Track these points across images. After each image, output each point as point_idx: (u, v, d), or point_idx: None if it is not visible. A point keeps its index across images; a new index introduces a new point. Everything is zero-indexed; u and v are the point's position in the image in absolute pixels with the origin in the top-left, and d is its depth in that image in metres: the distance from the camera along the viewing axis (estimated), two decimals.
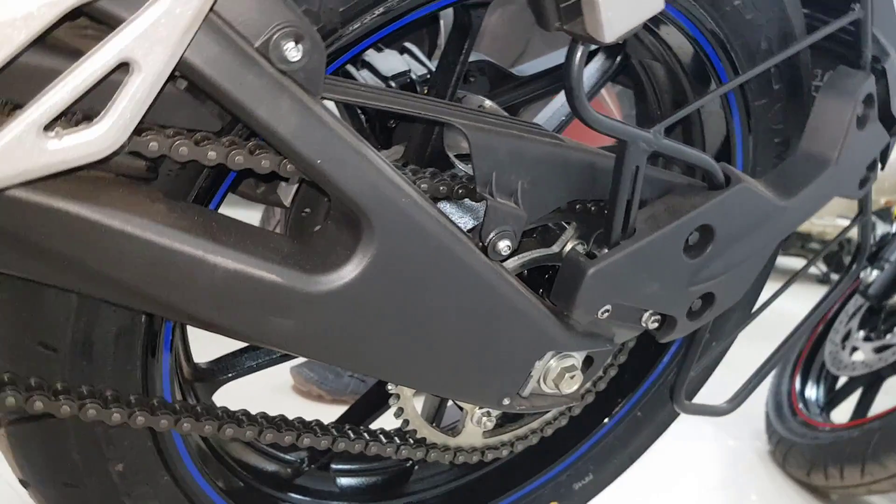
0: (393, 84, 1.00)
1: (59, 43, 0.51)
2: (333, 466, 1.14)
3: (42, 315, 0.73)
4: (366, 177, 0.65)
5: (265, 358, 1.02)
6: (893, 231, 1.99)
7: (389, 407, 1.09)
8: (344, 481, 1.15)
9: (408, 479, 1.18)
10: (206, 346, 1.02)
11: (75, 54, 0.50)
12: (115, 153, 0.53)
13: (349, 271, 0.68)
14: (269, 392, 1.84)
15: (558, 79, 1.17)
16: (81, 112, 0.52)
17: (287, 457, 1.09)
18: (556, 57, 1.21)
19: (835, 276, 4.98)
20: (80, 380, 0.76)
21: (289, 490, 1.08)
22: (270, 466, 1.08)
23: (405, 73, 1.01)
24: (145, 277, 0.61)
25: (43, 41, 0.48)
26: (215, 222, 0.66)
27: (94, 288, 0.63)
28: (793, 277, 1.06)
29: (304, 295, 0.67)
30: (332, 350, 0.72)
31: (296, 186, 0.85)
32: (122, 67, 0.49)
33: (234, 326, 0.67)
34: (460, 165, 0.95)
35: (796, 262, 4.79)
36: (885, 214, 3.28)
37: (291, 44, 0.60)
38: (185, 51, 0.51)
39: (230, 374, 1.01)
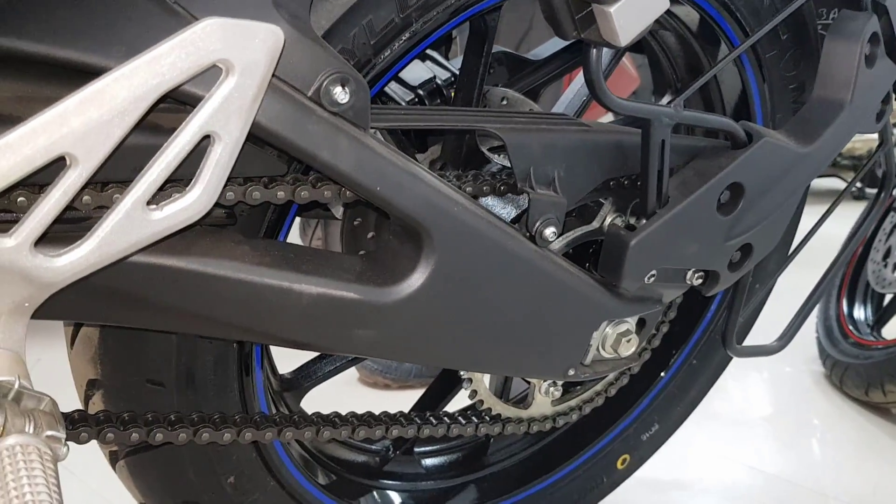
0: (422, 92, 1.06)
1: (147, 122, 0.58)
2: (416, 450, 1.22)
3: (147, 356, 0.81)
4: (421, 194, 0.72)
5: (341, 361, 1.10)
6: None
7: (460, 389, 1.17)
8: (428, 462, 1.23)
9: (486, 452, 1.27)
10: (284, 358, 1.10)
11: (156, 129, 0.58)
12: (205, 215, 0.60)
13: (416, 279, 0.75)
14: (340, 388, 1.92)
15: (571, 58, 1.23)
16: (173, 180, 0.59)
17: (374, 447, 1.17)
18: None
19: (870, 191, 4.96)
20: (188, 407, 0.84)
21: (379, 477, 1.17)
22: (360, 458, 1.17)
23: (431, 80, 1.07)
24: (242, 313, 0.69)
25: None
26: (293, 253, 0.73)
27: (198, 328, 0.71)
28: (824, 216, 1.11)
29: (380, 306, 0.74)
30: (410, 351, 0.79)
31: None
32: (206, 139, 0.57)
33: (323, 343, 0.75)
34: (495, 158, 1.02)
35: (829, 182, 4.79)
36: None
37: (339, 88, 0.67)
38: (255, 115, 0.58)
39: (312, 381, 1.09)
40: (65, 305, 0.59)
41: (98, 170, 0.55)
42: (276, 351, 1.02)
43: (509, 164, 0.96)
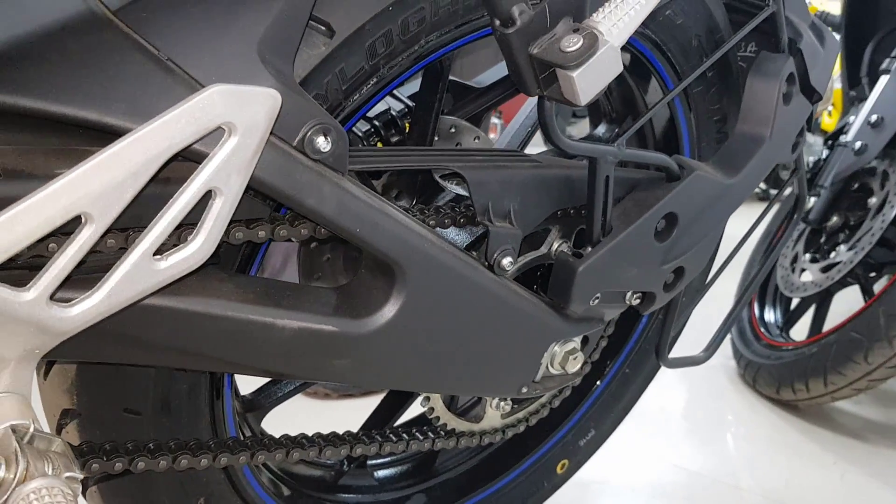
0: (377, 123, 1.12)
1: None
2: (369, 462, 1.28)
3: (125, 386, 0.84)
4: (395, 233, 0.77)
5: (299, 383, 1.15)
6: (824, 158, 2.15)
7: (408, 406, 1.23)
8: (380, 473, 1.28)
9: (434, 461, 1.32)
10: (243, 379, 1.14)
11: (162, 181, 0.62)
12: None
13: (389, 311, 0.81)
14: None
15: (512, 85, 1.30)
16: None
17: (329, 462, 1.22)
18: None
19: (773, 192, 5.22)
20: (163, 434, 0.87)
21: (334, 491, 1.21)
22: (316, 473, 1.21)
23: (387, 112, 1.12)
24: (229, 347, 0.73)
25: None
26: (273, 289, 0.77)
27: (187, 363, 0.75)
28: (740, 243, 1.21)
29: (355, 337, 0.79)
30: (383, 377, 0.85)
31: None
32: (207, 194, 0.61)
33: (302, 373, 0.79)
34: (448, 186, 1.08)
35: None
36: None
37: (322, 138, 0.71)
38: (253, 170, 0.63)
39: (272, 401, 1.12)
40: (67, 348, 0.62)
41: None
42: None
43: (462, 192, 1.03)
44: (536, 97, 0.78)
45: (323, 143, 0.72)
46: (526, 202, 0.93)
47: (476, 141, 1.22)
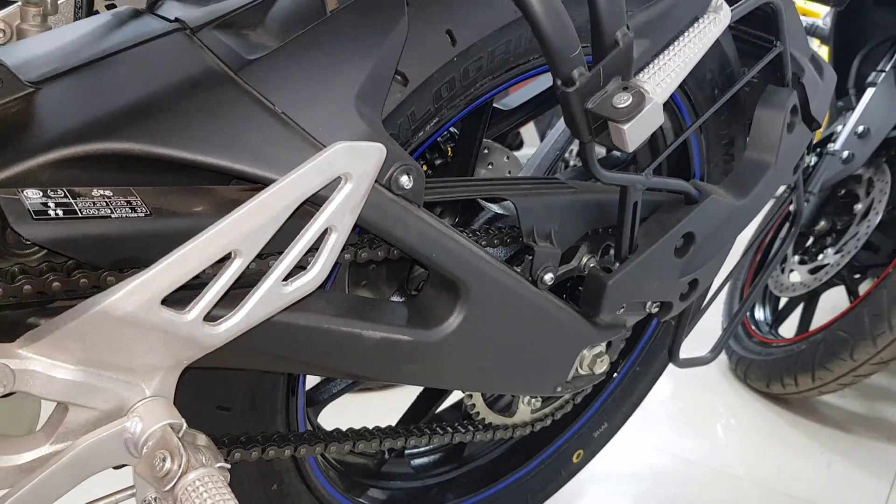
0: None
1: None
2: (406, 452, 1.40)
3: (218, 386, 0.96)
4: (461, 256, 0.90)
5: (350, 381, 1.27)
6: (813, 165, 2.28)
7: (443, 402, 1.35)
8: (416, 462, 1.41)
9: (463, 451, 1.45)
10: None
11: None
12: None
13: (453, 322, 0.93)
14: None
15: (537, 105, 1.42)
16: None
17: (372, 452, 1.34)
18: (532, 89, 1.45)
19: None
20: (250, 429, 0.99)
21: (377, 477, 1.34)
22: (361, 461, 1.33)
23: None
24: (324, 354, 0.85)
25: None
26: (357, 304, 0.90)
27: (290, 368, 0.87)
28: (743, 257, 1.34)
29: (425, 345, 0.92)
30: (445, 379, 0.97)
31: None
32: (326, 231, 0.73)
33: (378, 375, 0.92)
34: (488, 206, 1.20)
35: None
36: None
37: (406, 177, 0.83)
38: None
39: (327, 397, 1.25)
40: (204, 358, 0.74)
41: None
42: None
43: (500, 211, 1.16)
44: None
45: (406, 181, 0.84)
46: (564, 224, 1.05)
47: (506, 160, 1.35)
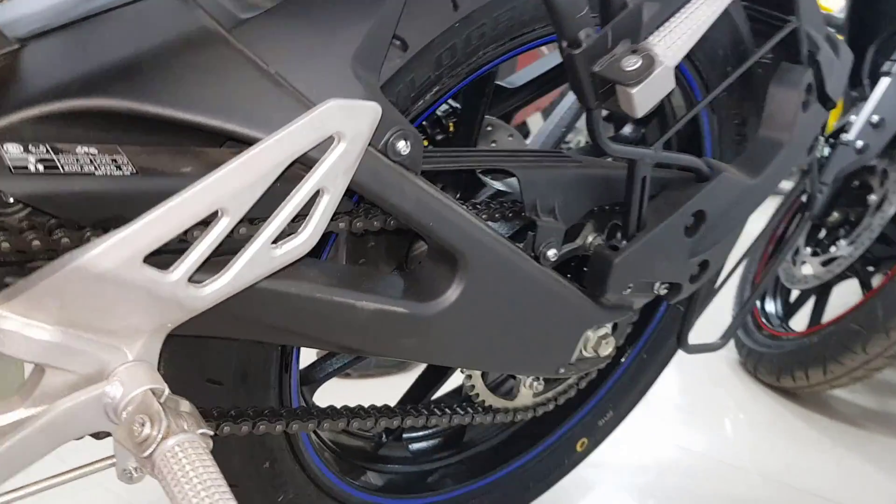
0: (424, 123, 1.20)
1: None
2: (404, 435, 1.37)
3: (209, 359, 0.93)
4: (459, 227, 0.87)
5: (348, 359, 1.24)
6: (826, 155, 2.23)
7: (444, 383, 1.32)
8: (414, 446, 1.38)
9: (462, 436, 1.42)
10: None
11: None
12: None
13: (451, 295, 0.90)
14: None
15: (543, 84, 1.39)
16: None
17: (369, 434, 1.31)
18: (539, 66, 1.42)
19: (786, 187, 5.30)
20: (238, 403, 0.96)
21: (374, 460, 1.31)
22: (357, 443, 1.30)
23: (432, 113, 1.21)
24: (316, 324, 0.82)
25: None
26: (352, 274, 0.87)
27: (280, 338, 0.84)
28: (755, 243, 1.31)
29: (421, 318, 0.88)
30: (441, 355, 0.94)
31: None
32: (317, 193, 0.70)
33: (374, 349, 0.89)
34: (490, 182, 1.17)
35: None
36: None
37: (403, 142, 0.80)
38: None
39: (325, 375, 1.22)
40: (189, 323, 0.71)
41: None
42: None
43: (502, 188, 1.12)
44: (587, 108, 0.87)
45: (403, 147, 0.81)
46: (569, 199, 1.02)
47: (510, 138, 1.31)
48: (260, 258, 0.68)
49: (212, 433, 0.66)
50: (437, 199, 0.83)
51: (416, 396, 1.35)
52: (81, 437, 0.69)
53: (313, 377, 1.20)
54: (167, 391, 0.66)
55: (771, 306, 2.43)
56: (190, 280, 0.66)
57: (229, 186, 0.63)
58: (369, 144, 0.78)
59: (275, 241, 0.70)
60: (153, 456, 0.62)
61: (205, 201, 0.62)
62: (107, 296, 0.63)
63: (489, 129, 1.28)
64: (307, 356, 1.25)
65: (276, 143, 0.65)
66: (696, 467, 1.84)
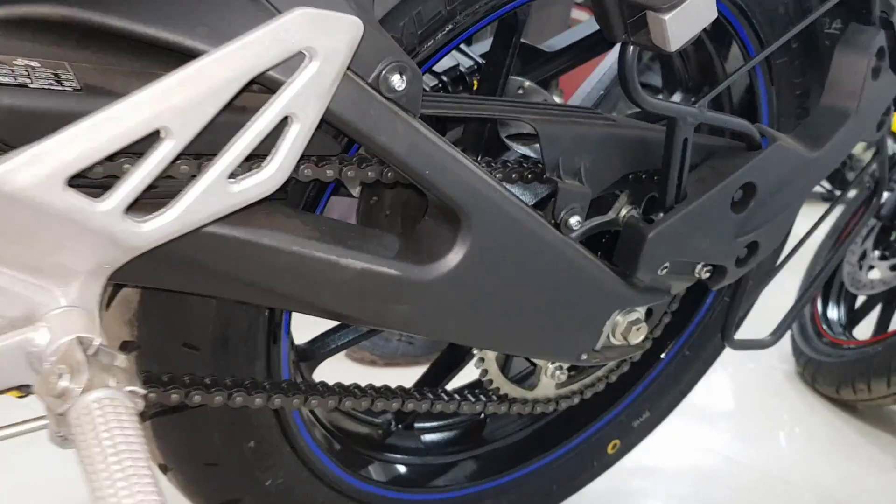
0: (445, 78, 1.10)
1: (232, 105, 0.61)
2: (417, 425, 1.26)
3: (186, 320, 0.84)
4: (463, 179, 0.76)
5: (355, 334, 1.14)
6: None
7: (462, 367, 1.21)
8: (427, 437, 1.27)
9: (482, 430, 1.31)
10: (298, 328, 1.14)
11: (239, 109, 0.61)
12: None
13: (452, 259, 0.79)
14: (327, 362, 1.96)
15: (583, 51, 1.26)
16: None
17: (377, 420, 1.21)
18: (580, 30, 1.30)
19: (838, 193, 5.07)
20: (218, 372, 0.87)
21: (381, 449, 1.20)
22: (364, 430, 1.20)
23: (455, 68, 1.10)
24: (292, 282, 0.72)
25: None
26: (339, 229, 0.76)
27: (251, 296, 0.74)
28: (821, 218, 1.17)
29: (416, 283, 0.78)
30: (441, 328, 0.83)
31: None
32: (284, 120, 0.60)
33: (361, 315, 0.78)
34: (514, 146, 1.05)
35: None
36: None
37: (397, 76, 0.70)
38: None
39: (325, 352, 1.12)
40: (135, 270, 0.62)
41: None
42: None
43: (528, 153, 1.01)
44: (619, 46, 0.75)
45: (398, 82, 0.70)
46: (598, 161, 0.90)
47: None
48: (214, 193, 0.58)
49: (143, 392, 0.57)
50: (436, 146, 0.73)
51: (432, 381, 1.25)
52: (2, 392, 0.60)
53: (313, 354, 1.11)
54: (98, 341, 0.57)
55: (833, 312, 2.28)
56: (129, 214, 0.56)
57: (172, 101, 0.54)
58: (358, 75, 0.68)
59: (234, 177, 0.60)
60: (68, 414, 0.52)
61: (142, 116, 0.53)
62: (25, 223, 0.54)
63: (521, 91, 1.17)
64: (310, 332, 1.15)
65: (229, 54, 0.55)
66: (741, 480, 1.71)
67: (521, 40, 1.25)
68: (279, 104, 0.58)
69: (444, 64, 1.12)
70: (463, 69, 1.12)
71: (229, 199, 0.59)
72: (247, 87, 0.59)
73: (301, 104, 0.59)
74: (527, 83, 1.16)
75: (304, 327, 1.11)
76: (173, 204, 0.58)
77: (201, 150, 0.60)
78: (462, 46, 1.17)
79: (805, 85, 1.17)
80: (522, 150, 1.03)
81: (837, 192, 5.06)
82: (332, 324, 1.13)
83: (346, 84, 0.66)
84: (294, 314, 1.04)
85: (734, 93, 1.18)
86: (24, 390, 0.61)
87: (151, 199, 0.59)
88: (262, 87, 0.60)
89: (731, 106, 1.18)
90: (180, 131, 0.55)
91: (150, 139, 0.55)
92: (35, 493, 1.36)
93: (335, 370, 1.09)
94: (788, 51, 1.12)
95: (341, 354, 2.08)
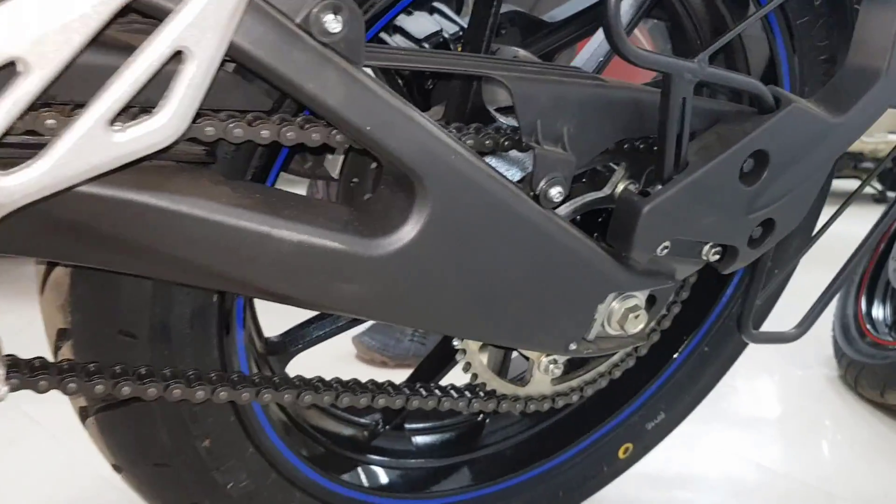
0: (427, 45, 1.00)
1: (112, 40, 0.53)
2: (408, 426, 1.17)
3: (120, 305, 0.76)
4: (415, 138, 0.66)
5: (331, 327, 1.05)
6: None
7: (456, 363, 1.11)
8: (419, 439, 1.18)
9: (480, 433, 1.21)
10: (273, 321, 1.05)
11: (129, 49, 0.52)
12: (175, 141, 0.54)
13: (407, 232, 0.70)
14: (334, 363, 1.87)
15: (590, 21, 1.16)
16: (141, 106, 0.54)
17: (363, 420, 1.12)
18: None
19: (891, 194, 4.86)
20: (161, 363, 0.79)
21: (367, 452, 1.11)
22: (348, 430, 1.11)
23: (437, 34, 1.01)
24: (216, 257, 0.64)
25: (97, 40, 0.49)
26: (275, 198, 0.67)
27: (167, 272, 0.66)
28: (850, 197, 1.05)
29: (366, 259, 0.68)
30: (399, 310, 0.74)
31: (342, 158, 0.87)
32: (177, 56, 0.51)
33: (304, 296, 0.69)
34: (501, 119, 0.95)
35: (851, 184, 4.69)
36: None
37: (331, 16, 0.61)
38: (233, 34, 0.52)
39: (300, 346, 1.03)
40: (17, 236, 0.54)
41: (54, 83, 0.49)
42: (266, 313, 0.97)
43: (517, 125, 0.91)
44: None
45: (332, 23, 0.61)
46: (584, 126, 0.80)
47: None
48: (93, 142, 0.50)
49: (2, 373, 0.48)
50: (378, 98, 0.63)
51: (426, 376, 1.15)
52: None
53: (284, 347, 1.02)
54: None
55: (878, 312, 2.15)
56: None
57: (28, 25, 0.45)
58: (282, 13, 0.59)
59: (119, 124, 0.51)
60: None
61: None
62: None
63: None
64: (282, 324, 1.06)
65: None
66: (776, 490, 1.59)
67: (521, 11, 1.16)
68: (169, 35, 0.50)
69: (425, 29, 1.03)
70: (447, 35, 1.03)
71: (113, 149, 0.51)
72: (132, 21, 0.50)
73: (196, 36, 0.50)
74: (521, 52, 1.06)
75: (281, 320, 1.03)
76: (43, 153, 0.50)
77: (78, 99, 0.52)
78: (448, 12, 1.08)
79: (831, 49, 1.05)
80: (511, 122, 0.93)
81: (890, 194, 4.86)
82: (306, 315, 1.05)
83: (266, 22, 0.57)
84: (257, 302, 0.96)
85: (752, 61, 1.07)
86: None
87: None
88: (151, 19, 0.52)
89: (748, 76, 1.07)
90: (41, 63, 0.46)
91: (4, 74, 0.47)
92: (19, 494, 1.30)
93: (343, 372, 1.01)
94: (811, 8, 1.01)
95: (350, 356, 2.01)
